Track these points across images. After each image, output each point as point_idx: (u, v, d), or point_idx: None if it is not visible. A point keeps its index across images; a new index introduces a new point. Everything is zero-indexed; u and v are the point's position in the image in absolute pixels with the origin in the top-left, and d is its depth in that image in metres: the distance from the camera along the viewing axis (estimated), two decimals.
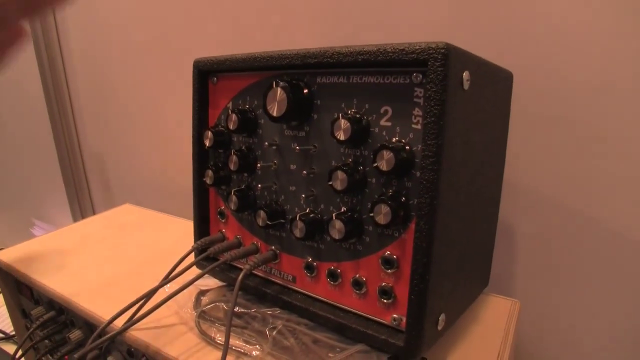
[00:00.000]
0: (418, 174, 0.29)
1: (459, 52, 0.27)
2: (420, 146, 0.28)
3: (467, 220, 0.33)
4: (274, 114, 0.33)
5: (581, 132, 0.44)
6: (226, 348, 0.31)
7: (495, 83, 0.35)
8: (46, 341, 0.51)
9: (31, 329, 0.49)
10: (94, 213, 0.97)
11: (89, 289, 0.45)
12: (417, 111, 0.29)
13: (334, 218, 0.31)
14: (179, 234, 0.60)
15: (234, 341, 0.35)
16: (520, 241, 0.50)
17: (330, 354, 0.31)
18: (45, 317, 0.48)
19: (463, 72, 0.28)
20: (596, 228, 0.46)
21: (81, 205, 0.94)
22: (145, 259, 0.53)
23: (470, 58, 0.29)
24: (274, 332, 0.34)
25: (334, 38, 0.56)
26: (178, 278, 0.38)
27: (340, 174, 0.30)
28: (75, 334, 0.46)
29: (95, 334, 0.34)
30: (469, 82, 0.29)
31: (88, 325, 0.45)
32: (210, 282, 0.44)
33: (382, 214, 0.29)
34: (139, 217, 0.68)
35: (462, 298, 0.36)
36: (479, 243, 0.38)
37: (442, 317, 0.31)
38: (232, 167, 0.38)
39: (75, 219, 0.96)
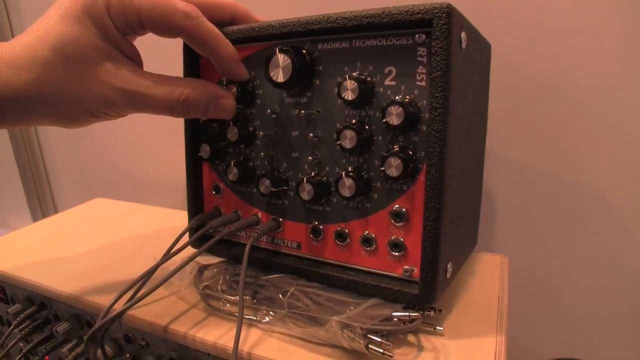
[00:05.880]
0: (424, 127, 0.30)
1: (457, 12, 0.30)
2: (425, 102, 0.30)
3: (464, 174, 0.36)
4: (279, 80, 0.33)
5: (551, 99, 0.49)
6: (241, 316, 0.32)
7: (481, 49, 0.38)
8: (20, 344, 0.47)
9: (10, 328, 0.46)
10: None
11: (74, 280, 0.43)
12: (420, 69, 0.30)
13: (344, 176, 0.32)
14: (161, 221, 0.59)
15: (245, 310, 0.35)
16: (499, 203, 0.54)
17: (346, 310, 0.32)
18: (26, 312, 0.46)
19: (461, 32, 0.30)
20: (566, 188, 0.50)
21: (42, 206, 0.88)
22: (130, 248, 0.51)
23: (464, 20, 0.31)
24: (287, 296, 0.34)
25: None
26: (176, 257, 0.38)
27: (349, 133, 0.32)
28: (62, 326, 0.43)
29: (104, 311, 0.33)
30: (465, 42, 0.31)
31: (76, 316, 0.43)
32: (209, 259, 0.43)
33: (394, 167, 0.30)
34: (115, 209, 0.65)
35: (461, 250, 0.38)
36: (471, 201, 0.41)
37: (449, 265, 0.33)
38: (231, 138, 0.38)
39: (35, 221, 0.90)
